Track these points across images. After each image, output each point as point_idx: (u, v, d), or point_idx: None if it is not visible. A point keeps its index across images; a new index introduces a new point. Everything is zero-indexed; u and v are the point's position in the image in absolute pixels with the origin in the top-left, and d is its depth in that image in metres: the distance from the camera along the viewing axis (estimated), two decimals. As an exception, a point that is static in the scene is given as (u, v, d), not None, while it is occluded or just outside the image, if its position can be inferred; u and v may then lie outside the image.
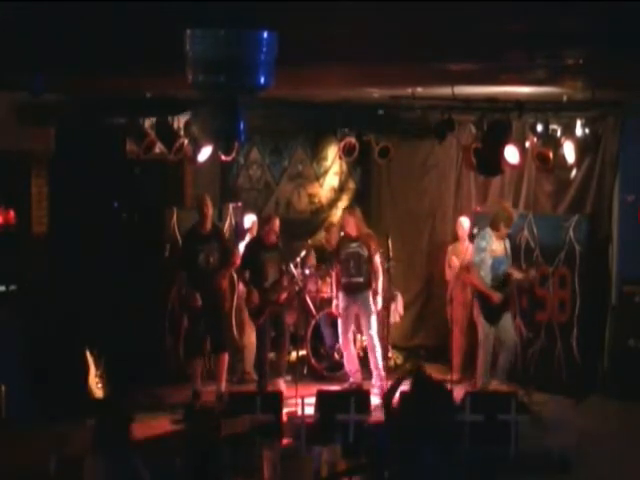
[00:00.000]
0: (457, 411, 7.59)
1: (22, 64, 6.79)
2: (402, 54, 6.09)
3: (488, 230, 9.51)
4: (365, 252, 9.73)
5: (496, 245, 9.48)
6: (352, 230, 9.78)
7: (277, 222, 9.64)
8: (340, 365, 10.33)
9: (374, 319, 9.79)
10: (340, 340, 10.04)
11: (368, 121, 10.72)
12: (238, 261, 9.62)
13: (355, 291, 9.77)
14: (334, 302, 10.20)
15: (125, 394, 8.66)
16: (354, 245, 9.74)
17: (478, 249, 9.51)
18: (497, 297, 9.34)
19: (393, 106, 9.80)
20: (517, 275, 9.54)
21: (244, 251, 9.79)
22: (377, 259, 9.81)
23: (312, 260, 10.81)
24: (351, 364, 10.00)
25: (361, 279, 9.75)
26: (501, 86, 8.05)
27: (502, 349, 9.56)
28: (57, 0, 4.25)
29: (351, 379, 9.95)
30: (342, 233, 10.06)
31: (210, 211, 9.38)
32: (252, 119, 5.99)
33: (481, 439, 7.49)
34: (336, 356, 10.46)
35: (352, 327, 9.97)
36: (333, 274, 10.22)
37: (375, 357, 9.75)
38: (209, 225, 9.40)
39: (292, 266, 9.88)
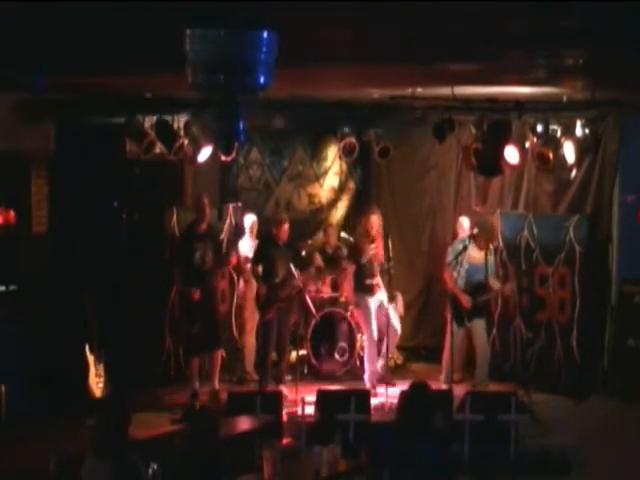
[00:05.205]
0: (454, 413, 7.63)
1: (22, 64, 6.80)
2: (402, 54, 6.10)
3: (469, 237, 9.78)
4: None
5: (475, 252, 9.70)
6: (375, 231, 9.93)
7: (286, 225, 9.65)
8: (340, 365, 10.41)
9: None
10: (370, 341, 10.01)
11: (368, 121, 10.72)
12: (234, 261, 9.66)
13: (375, 291, 9.98)
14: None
15: (125, 394, 8.65)
16: (373, 247, 9.90)
17: (454, 251, 9.74)
18: (466, 301, 9.63)
19: (393, 106, 9.79)
20: (495, 286, 9.73)
21: (257, 247, 9.86)
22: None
23: (318, 260, 10.78)
24: (373, 364, 10.00)
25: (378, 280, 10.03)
26: (501, 86, 8.05)
27: (476, 355, 9.81)
28: (57, 0, 4.26)
29: (368, 382, 9.91)
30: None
31: (208, 211, 9.47)
32: (252, 119, 5.98)
33: (481, 439, 7.49)
34: (336, 356, 10.47)
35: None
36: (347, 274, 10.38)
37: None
38: (205, 225, 9.48)
39: (292, 266, 9.88)
